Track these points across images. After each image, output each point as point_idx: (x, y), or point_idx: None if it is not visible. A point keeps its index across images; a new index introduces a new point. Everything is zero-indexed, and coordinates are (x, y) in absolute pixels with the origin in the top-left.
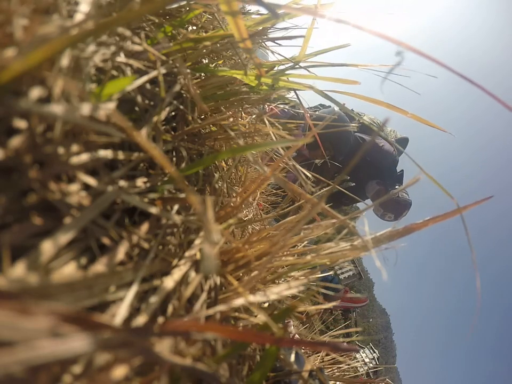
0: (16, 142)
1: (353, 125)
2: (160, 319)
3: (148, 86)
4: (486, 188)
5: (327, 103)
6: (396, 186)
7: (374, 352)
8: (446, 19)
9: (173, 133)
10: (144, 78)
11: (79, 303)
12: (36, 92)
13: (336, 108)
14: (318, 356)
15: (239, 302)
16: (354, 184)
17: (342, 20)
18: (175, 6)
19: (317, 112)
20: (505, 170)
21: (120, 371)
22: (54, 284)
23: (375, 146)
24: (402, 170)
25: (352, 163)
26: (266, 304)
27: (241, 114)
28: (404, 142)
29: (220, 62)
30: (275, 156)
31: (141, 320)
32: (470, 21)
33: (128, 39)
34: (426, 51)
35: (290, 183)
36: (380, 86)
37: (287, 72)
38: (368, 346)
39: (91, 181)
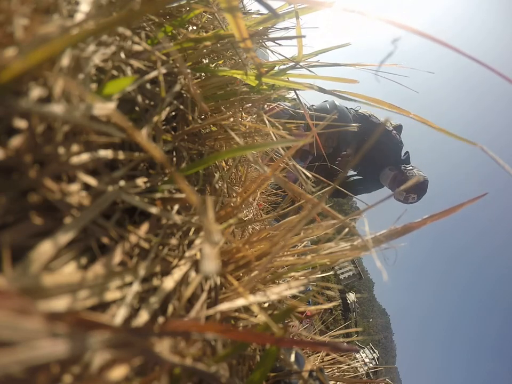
0: (16, 142)
1: (355, 124)
2: (160, 319)
3: (148, 86)
4: (488, 186)
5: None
6: (410, 167)
7: (374, 352)
8: (446, 19)
9: (173, 133)
10: (145, 78)
11: (79, 303)
12: (36, 92)
13: (338, 102)
14: (318, 356)
15: (239, 302)
16: (361, 177)
17: (356, 10)
18: (175, 5)
19: (313, 107)
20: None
21: (120, 371)
22: (54, 283)
23: (384, 131)
24: (407, 152)
25: (365, 147)
26: (266, 304)
27: (242, 114)
28: (399, 129)
29: (220, 62)
30: (275, 156)
31: (141, 320)
32: (470, 21)
33: (129, 39)
34: (426, 51)
35: (291, 183)
36: (380, 86)
37: (287, 72)
38: (368, 346)
39: (91, 181)
